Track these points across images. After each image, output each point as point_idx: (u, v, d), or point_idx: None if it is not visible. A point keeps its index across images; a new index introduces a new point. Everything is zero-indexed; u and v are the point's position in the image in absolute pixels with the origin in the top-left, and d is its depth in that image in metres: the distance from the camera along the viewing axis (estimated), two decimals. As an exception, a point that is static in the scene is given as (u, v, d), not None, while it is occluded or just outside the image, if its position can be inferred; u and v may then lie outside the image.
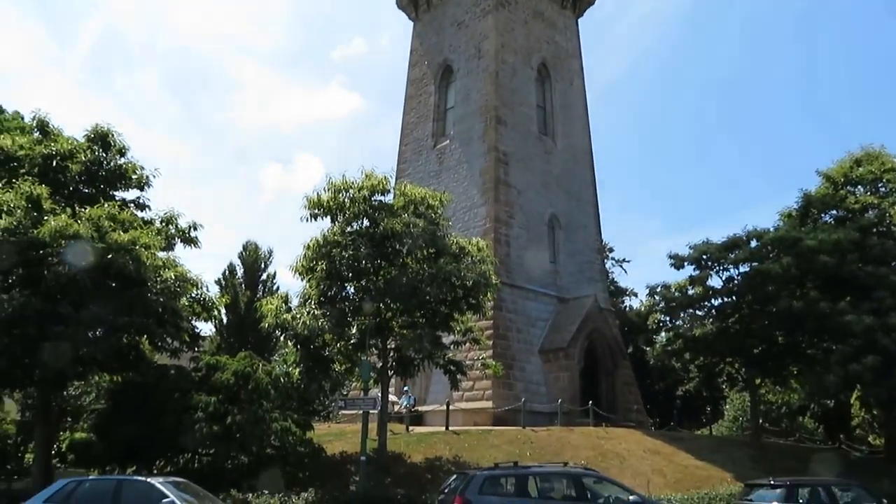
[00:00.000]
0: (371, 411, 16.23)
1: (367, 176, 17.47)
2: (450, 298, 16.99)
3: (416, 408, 26.54)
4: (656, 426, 33.43)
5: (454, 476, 14.04)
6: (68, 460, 21.13)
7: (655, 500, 14.10)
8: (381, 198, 17.61)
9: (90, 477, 14.63)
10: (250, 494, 14.90)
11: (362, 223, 17.37)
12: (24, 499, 13.83)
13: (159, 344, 17.46)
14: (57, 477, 16.99)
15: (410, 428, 23.64)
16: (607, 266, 41.01)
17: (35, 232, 14.97)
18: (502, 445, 20.14)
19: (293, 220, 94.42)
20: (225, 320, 44.94)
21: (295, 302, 17.52)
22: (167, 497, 12.27)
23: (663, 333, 25.65)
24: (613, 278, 44.11)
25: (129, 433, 16.51)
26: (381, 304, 17.15)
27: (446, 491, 13.53)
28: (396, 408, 25.78)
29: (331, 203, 17.11)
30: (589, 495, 13.00)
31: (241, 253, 47.12)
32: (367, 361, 16.34)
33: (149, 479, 13.05)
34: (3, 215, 15.08)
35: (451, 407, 26.24)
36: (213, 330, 43.33)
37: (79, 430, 21.92)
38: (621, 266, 48.90)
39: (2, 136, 18.16)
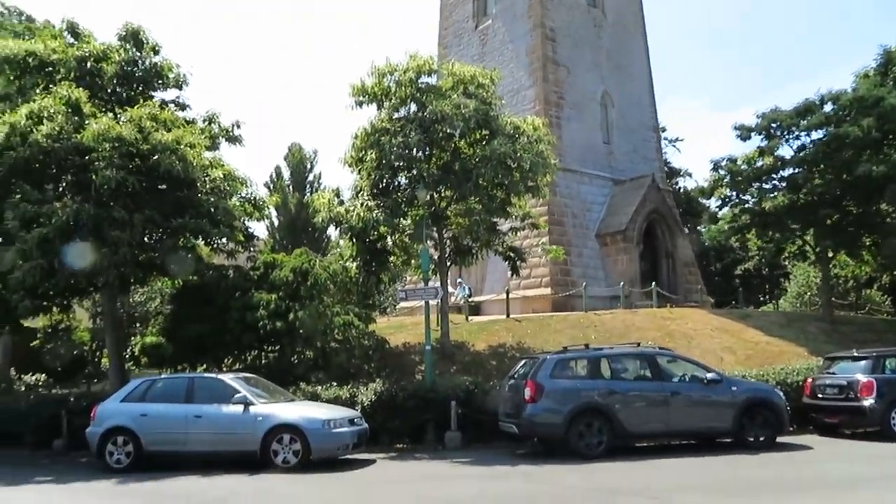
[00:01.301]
0: (431, 301, 15.94)
1: (411, 57, 16.43)
2: (506, 182, 16.21)
3: (472, 298, 26.45)
4: (716, 306, 32.85)
5: (522, 361, 13.81)
6: (142, 363, 21.88)
7: (732, 376, 13.63)
8: (428, 80, 16.61)
9: (162, 376, 14.92)
10: (319, 387, 14.98)
11: (409, 108, 16.49)
12: (103, 399, 14.21)
13: (215, 245, 17.32)
14: (131, 378, 17.52)
15: (469, 318, 23.62)
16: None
17: (78, 136, 14.64)
18: (565, 330, 19.89)
19: (332, 118, 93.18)
20: (276, 222, 45.46)
21: (347, 195, 17.05)
22: (238, 392, 12.40)
23: (726, 209, 24.42)
24: (666, 159, 42.50)
25: (195, 333, 16.75)
26: (435, 191, 16.52)
27: (515, 376, 13.35)
28: (452, 299, 25.73)
29: (375, 89, 16.22)
30: (664, 375, 12.64)
31: (287, 155, 46.95)
32: (426, 250, 15.91)
33: (219, 376, 13.21)
34: (45, 121, 14.74)
35: (503, 296, 26.17)
36: (266, 232, 43.91)
37: (148, 335, 22.55)
38: (674, 145, 47.03)
39: (33, 41, 17.63)
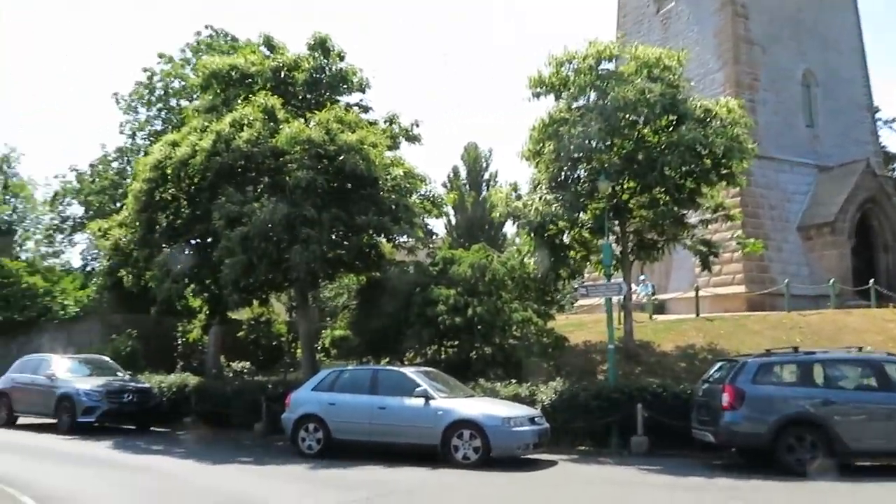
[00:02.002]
0: (614, 298, 15.12)
1: (590, 44, 15.72)
2: (696, 170, 14.98)
3: (655, 296, 25.02)
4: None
5: (718, 364, 12.66)
6: (331, 354, 23.11)
7: None
8: (609, 66, 15.81)
9: (349, 367, 15.53)
10: (498, 384, 14.78)
11: (589, 97, 15.79)
12: (296, 387, 15.04)
13: (396, 242, 17.79)
14: (321, 368, 18.48)
15: (653, 317, 22.34)
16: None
17: (273, 140, 15.69)
18: (764, 331, 18.07)
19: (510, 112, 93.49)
20: (454, 221, 46.38)
21: (525, 189, 16.73)
22: (420, 386, 12.51)
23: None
24: (881, 143, 37.63)
25: (378, 327, 17.28)
26: (617, 183, 15.68)
27: (710, 380, 12.24)
28: (635, 297, 24.48)
29: (553, 79, 15.72)
30: (893, 385, 10.91)
31: (463, 154, 47.78)
32: (608, 245, 15.14)
33: (401, 369, 13.45)
34: (245, 128, 15.95)
35: (690, 294, 24.45)
36: (444, 230, 44.95)
37: (336, 328, 23.79)
38: (891, 127, 41.56)
39: (235, 56, 19.23)
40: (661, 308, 24.79)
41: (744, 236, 18.15)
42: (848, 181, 25.13)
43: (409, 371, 13.18)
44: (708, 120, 15.08)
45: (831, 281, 21.82)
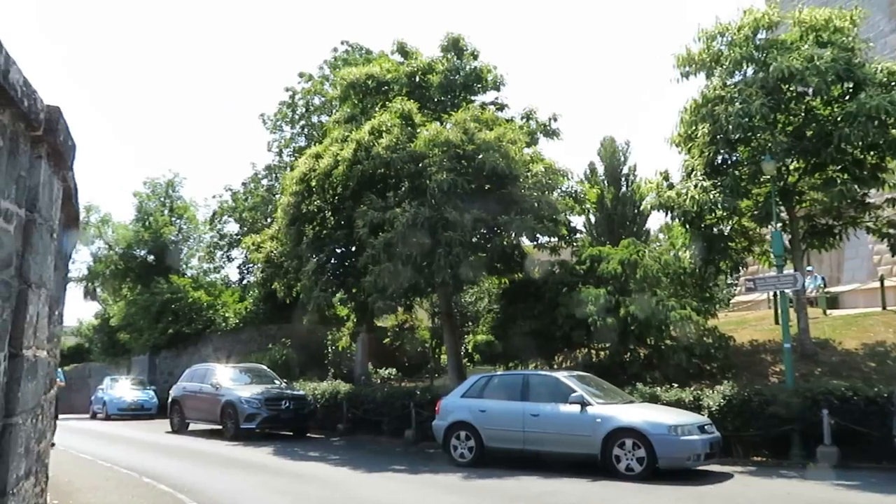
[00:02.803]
0: (789, 291, 13.58)
1: (746, 12, 14.29)
2: (880, 142, 13.12)
3: (827, 289, 22.59)
4: None
5: (924, 363, 10.93)
6: (475, 360, 22.84)
7: None
8: (767, 35, 14.29)
9: (498, 373, 15.07)
10: (658, 388, 13.72)
11: (746, 71, 14.33)
12: (444, 393, 14.83)
13: (539, 241, 17.17)
14: (468, 374, 18.19)
15: (827, 311, 20.13)
16: None
17: (411, 145, 15.63)
18: (972, 325, 15.67)
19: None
20: (593, 219, 44.87)
21: (676, 178, 15.50)
22: (575, 391, 11.79)
23: None
24: None
25: (523, 331, 16.71)
26: (783, 164, 14.10)
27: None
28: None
29: (703, 55, 14.43)
30: None
31: (599, 149, 46.12)
32: (779, 232, 13.63)
33: (554, 374, 12.79)
34: (384, 134, 16.02)
35: (870, 285, 21.84)
36: (583, 229, 43.58)
37: (479, 333, 23.48)
38: None
39: (371, 65, 19.49)
40: (833, 302, 22.33)
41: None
42: None
43: (563, 376, 12.49)
44: (892, 84, 13.18)
45: None
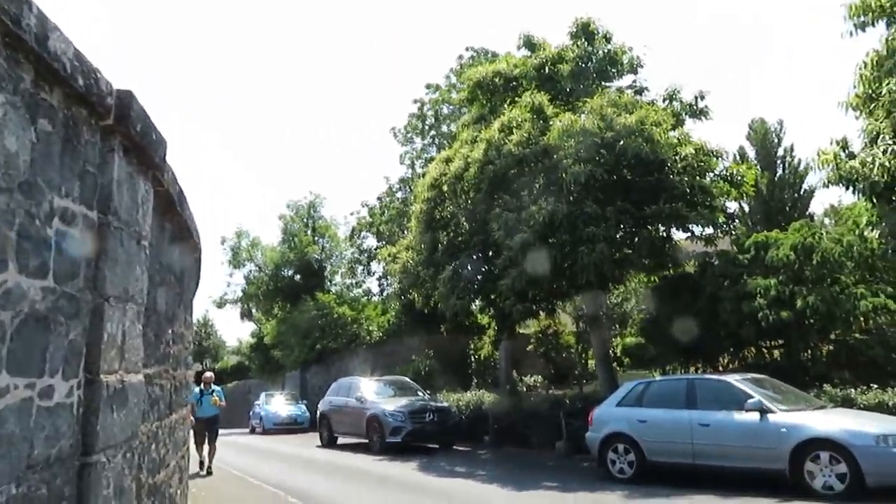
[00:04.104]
0: None
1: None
2: None
3: None
4: None
5: None
6: (624, 363, 21.34)
7: None
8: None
9: (657, 378, 13.67)
10: (852, 390, 11.77)
11: (939, 11, 12.05)
12: (594, 401, 13.69)
13: (692, 231, 15.54)
14: (618, 380, 16.86)
15: None
16: None
17: (544, 138, 14.66)
18: None
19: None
20: (747, 208, 41.43)
21: (856, 147, 13.34)
22: (752, 397, 10.26)
23: None
24: None
25: (680, 330, 15.13)
26: None
27: None
28: None
29: (883, 0, 12.29)
30: None
31: (748, 133, 42.58)
32: None
33: (724, 378, 11.25)
34: (514, 130, 15.18)
35: None
36: (737, 220, 40.28)
37: (627, 335, 21.97)
38: None
39: (497, 62, 18.75)
40: None
41: None
42: None
43: (735, 379, 10.94)
44: None
45: None
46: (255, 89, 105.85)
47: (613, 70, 17.22)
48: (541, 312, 18.43)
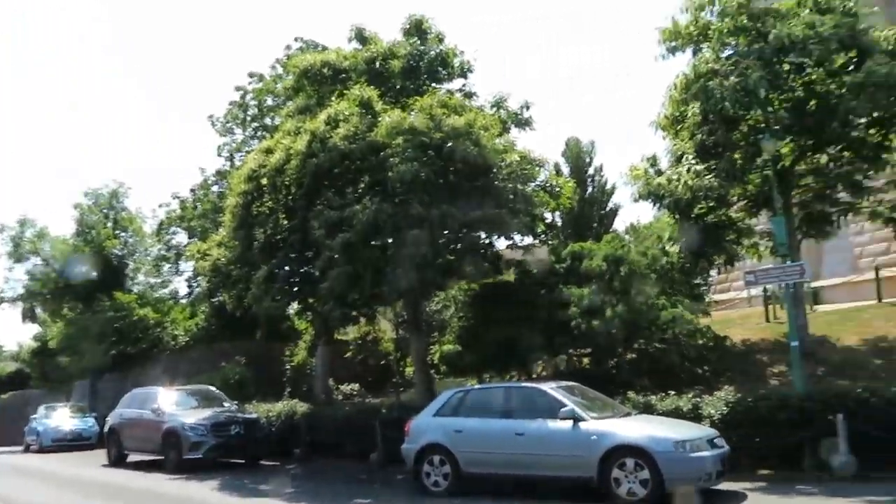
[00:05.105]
0: (794, 282, 12.28)
1: (738, -22, 13.03)
2: (889, 115, 11.96)
3: (810, 284, 21.66)
4: None
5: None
6: (441, 371, 21.27)
7: None
8: (762, 3, 13.07)
9: (475, 386, 13.50)
10: (652, 397, 12.30)
11: (738, 43, 13.06)
12: (411, 409, 13.27)
13: (513, 239, 15.72)
14: (436, 388, 16.65)
15: (814, 307, 19.13)
16: None
17: (372, 134, 14.07)
18: (977, 316, 14.68)
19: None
20: (558, 221, 43.79)
21: (665, 164, 14.19)
22: (565, 405, 10.25)
23: None
24: None
25: (497, 338, 15.23)
26: (781, 143, 12.86)
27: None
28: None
29: (692, 27, 13.16)
30: None
31: (564, 150, 45.11)
32: (782, 217, 12.35)
33: (540, 386, 11.23)
34: (341, 124, 14.45)
35: (853, 278, 21.09)
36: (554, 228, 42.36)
37: (445, 343, 21.89)
38: None
39: (327, 52, 17.95)
40: (815, 297, 21.43)
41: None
42: None
43: (550, 387, 10.94)
44: (902, 52, 12.06)
45: None
46: (55, 54, 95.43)
47: (444, 72, 17.12)
48: (361, 318, 17.81)
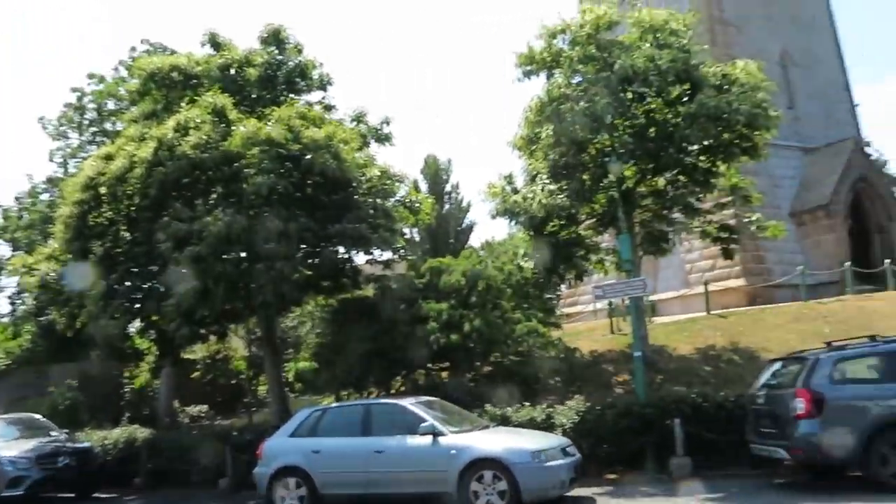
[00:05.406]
0: (631, 297, 13.16)
1: (585, 11, 13.86)
2: (715, 144, 13.18)
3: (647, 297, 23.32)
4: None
5: (776, 364, 10.77)
6: (296, 389, 20.63)
7: None
8: (608, 35, 13.99)
9: (334, 405, 13.16)
10: (509, 409, 12.62)
11: (587, 71, 13.86)
12: (265, 431, 12.71)
13: (373, 254, 15.59)
14: (291, 406, 16.09)
15: (652, 319, 20.58)
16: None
17: (226, 144, 13.43)
18: (787, 324, 16.40)
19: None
20: (417, 237, 44.21)
21: (520, 183, 14.70)
22: (425, 420, 10.24)
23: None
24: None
25: (356, 354, 15.01)
26: (627, 164, 13.77)
27: (772, 384, 10.36)
28: (623, 301, 22.77)
29: (545, 54, 13.80)
30: None
31: (423, 167, 45.71)
32: (627, 237, 13.16)
33: (399, 402, 11.15)
34: (192, 131, 13.66)
35: (686, 292, 22.98)
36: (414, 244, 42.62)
37: (300, 359, 21.29)
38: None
39: (177, 56, 16.95)
40: (652, 310, 23.10)
41: (763, 218, 16.42)
42: (837, 161, 23.94)
43: (409, 403, 10.89)
44: (725, 87, 13.36)
45: (847, 264, 20.39)
46: None
47: (303, 83, 16.72)
48: (211, 335, 16.89)
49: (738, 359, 14.98)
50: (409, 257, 17.39)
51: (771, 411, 9.98)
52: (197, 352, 21.37)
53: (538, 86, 14.54)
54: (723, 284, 22.64)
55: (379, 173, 14.28)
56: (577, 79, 13.96)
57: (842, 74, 27.83)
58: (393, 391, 16.01)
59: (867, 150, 26.23)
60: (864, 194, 24.20)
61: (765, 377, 10.68)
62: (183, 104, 15.00)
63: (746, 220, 16.42)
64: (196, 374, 21.67)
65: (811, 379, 9.32)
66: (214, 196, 13.72)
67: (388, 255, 16.48)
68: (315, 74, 16.65)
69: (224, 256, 13.23)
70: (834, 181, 23.28)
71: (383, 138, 16.93)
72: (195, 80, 16.08)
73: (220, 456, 13.88)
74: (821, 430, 9.10)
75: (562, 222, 14.40)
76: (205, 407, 21.35)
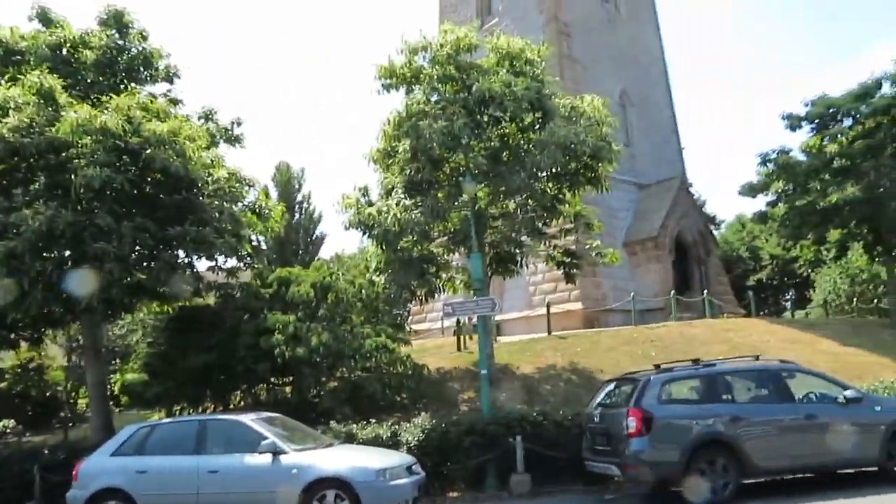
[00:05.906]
0: (479, 317, 13.38)
1: (446, 31, 14.04)
2: (564, 172, 13.79)
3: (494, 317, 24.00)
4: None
5: (610, 384, 11.34)
6: (122, 403, 19.08)
7: (872, 393, 11.32)
8: (468, 57, 14.25)
9: (165, 420, 12.16)
10: (354, 426, 12.31)
11: (446, 90, 14.03)
12: (84, 449, 11.51)
13: (217, 260, 14.70)
14: (115, 421, 14.78)
15: (496, 338, 21.13)
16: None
17: (53, 130, 12.10)
18: (619, 347, 17.45)
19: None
20: (263, 245, 42.66)
21: (374, 196, 14.51)
22: (265, 438, 9.71)
23: (781, 205, 21.86)
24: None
25: (194, 366, 14.10)
26: (481, 185, 14.03)
27: (606, 403, 10.88)
28: (470, 320, 23.26)
29: (405, 70, 13.78)
30: (790, 394, 10.21)
31: (274, 175, 44.33)
32: (479, 255, 13.36)
33: (238, 418, 10.51)
34: (11, 112, 12.19)
35: (529, 313, 23.92)
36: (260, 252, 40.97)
37: (129, 370, 19.74)
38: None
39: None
40: (497, 330, 23.78)
41: (602, 246, 17.41)
42: (666, 197, 26.08)
43: (249, 419, 10.28)
44: (574, 118, 14.04)
45: (671, 293, 22.12)
46: None
47: (147, 73, 15.52)
48: (23, 342, 15.14)
49: (576, 379, 15.67)
50: (256, 266, 16.56)
51: (605, 430, 10.45)
52: (5, 359, 19.17)
53: (398, 100, 14.54)
54: (563, 307, 23.80)
55: (227, 175, 13.50)
56: (435, 97, 14.09)
57: (671, 118, 30.47)
58: (232, 406, 15.18)
59: (690, 189, 28.84)
60: (686, 230, 26.51)
61: (599, 397, 11.20)
62: (2, 81, 13.42)
63: (587, 246, 17.29)
64: (4, 384, 19.42)
65: (642, 399, 9.87)
66: (36, 186, 12.31)
67: (232, 262, 15.66)
68: (161, 65, 15.51)
69: (45, 255, 11.92)
70: (662, 216, 25.34)
71: (233, 139, 16.12)
72: (19, 56, 14.45)
73: (27, 477, 12.36)
74: (649, 447, 9.66)
75: (415, 238, 14.39)
76: (12, 422, 19.16)
